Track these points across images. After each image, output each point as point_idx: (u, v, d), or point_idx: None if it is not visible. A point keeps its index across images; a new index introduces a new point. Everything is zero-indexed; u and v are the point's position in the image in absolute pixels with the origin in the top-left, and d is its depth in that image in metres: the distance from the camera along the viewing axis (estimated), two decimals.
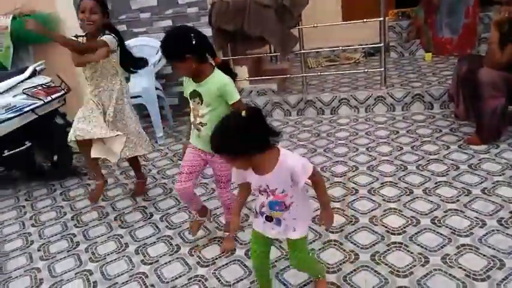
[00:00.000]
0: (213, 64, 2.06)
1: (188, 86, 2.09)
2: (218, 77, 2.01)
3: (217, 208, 2.71)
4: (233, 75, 2.09)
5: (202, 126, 2.06)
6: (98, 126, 2.59)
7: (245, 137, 1.46)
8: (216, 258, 2.26)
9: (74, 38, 2.55)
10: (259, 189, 1.62)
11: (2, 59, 4.20)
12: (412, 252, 2.11)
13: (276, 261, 2.17)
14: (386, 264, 2.05)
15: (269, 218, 1.67)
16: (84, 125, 2.59)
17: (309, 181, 1.63)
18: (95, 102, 2.65)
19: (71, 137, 2.63)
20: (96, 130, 2.58)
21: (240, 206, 1.81)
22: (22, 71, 3.19)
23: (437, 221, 2.32)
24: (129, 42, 4.26)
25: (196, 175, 2.18)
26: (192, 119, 2.11)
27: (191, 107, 2.10)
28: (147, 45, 4.24)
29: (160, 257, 2.34)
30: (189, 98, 2.09)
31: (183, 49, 1.92)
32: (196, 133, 2.11)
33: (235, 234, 2.38)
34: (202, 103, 2.03)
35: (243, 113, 1.47)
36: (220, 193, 2.27)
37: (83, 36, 2.61)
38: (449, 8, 4.80)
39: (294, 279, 2.03)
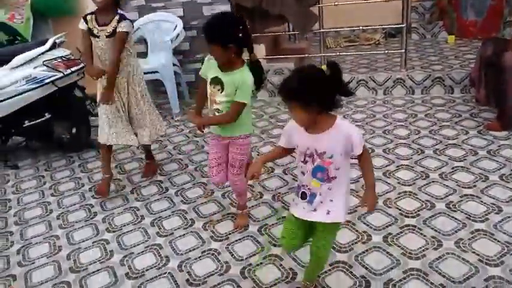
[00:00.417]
0: (245, 61, 2.06)
1: (211, 69, 2.08)
2: (244, 74, 2.01)
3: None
4: (262, 74, 2.09)
5: (218, 112, 2.08)
6: (127, 132, 2.71)
7: (322, 89, 1.45)
8: (229, 234, 2.30)
9: (111, 69, 2.54)
10: (305, 154, 1.57)
11: (22, 31, 4.25)
12: (425, 236, 2.11)
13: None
14: (398, 246, 2.06)
15: (304, 195, 1.62)
16: (114, 129, 2.67)
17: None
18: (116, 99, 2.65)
19: (103, 140, 2.70)
20: (127, 136, 2.71)
21: (271, 157, 1.83)
22: (42, 43, 3.22)
23: (453, 205, 2.31)
24: (147, 17, 4.26)
25: (225, 165, 2.23)
26: (209, 102, 2.13)
27: (209, 91, 2.10)
28: (165, 20, 4.22)
29: (175, 230, 2.39)
30: (208, 81, 2.09)
31: (229, 37, 1.92)
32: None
33: (251, 180, 2.30)
34: (222, 91, 2.04)
35: (324, 67, 1.46)
36: (231, 179, 2.25)
37: (91, 13, 2.57)
38: None
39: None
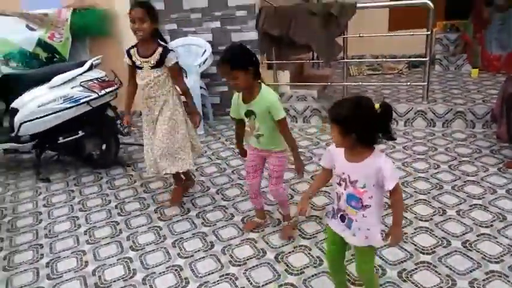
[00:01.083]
0: (259, 83, 2.27)
1: (240, 108, 2.33)
2: (267, 96, 2.23)
3: (251, 210, 2.84)
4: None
5: (259, 136, 2.34)
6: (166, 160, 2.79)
7: (365, 123, 1.54)
8: (248, 259, 2.38)
9: (187, 95, 2.80)
10: (340, 177, 1.68)
11: (60, 49, 4.51)
12: (440, 274, 2.14)
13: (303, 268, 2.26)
14: (413, 283, 2.09)
15: (343, 218, 1.73)
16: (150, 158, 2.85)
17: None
18: (148, 126, 2.79)
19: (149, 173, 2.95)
20: (163, 164, 2.79)
21: (313, 189, 1.93)
22: (81, 65, 3.43)
23: (469, 244, 2.33)
24: (178, 41, 4.46)
25: (260, 172, 2.51)
26: (249, 131, 2.38)
27: (247, 123, 2.35)
28: (194, 45, 4.41)
29: (195, 252, 2.48)
30: (244, 117, 2.33)
31: (248, 61, 2.16)
32: (255, 140, 2.38)
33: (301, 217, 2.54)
34: (256, 118, 2.28)
35: (377, 106, 1.57)
36: (270, 189, 2.48)
37: (134, 47, 2.67)
38: (499, 24, 4.66)
39: None
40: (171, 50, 2.67)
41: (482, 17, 4.72)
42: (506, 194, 2.77)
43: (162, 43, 2.68)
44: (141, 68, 2.66)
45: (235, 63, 2.13)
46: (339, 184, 1.70)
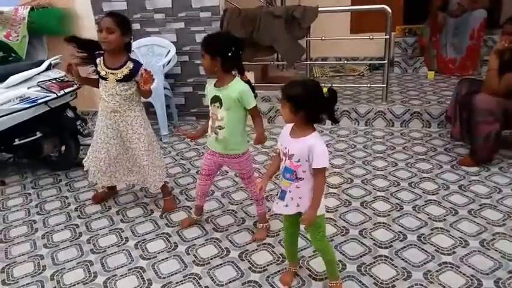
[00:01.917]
0: (235, 76, 2.29)
1: (210, 92, 2.32)
2: (238, 84, 2.25)
3: (215, 210, 2.85)
4: (254, 90, 2.31)
5: (220, 129, 2.30)
6: (120, 172, 2.82)
7: (314, 103, 1.74)
8: (211, 258, 2.39)
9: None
10: (282, 152, 1.87)
11: (17, 48, 4.35)
12: (396, 266, 2.23)
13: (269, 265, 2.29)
14: (371, 276, 2.17)
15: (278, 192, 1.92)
16: (106, 171, 2.79)
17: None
18: (108, 138, 2.69)
19: (95, 181, 2.89)
20: (118, 176, 2.84)
21: (272, 170, 2.02)
22: (38, 64, 3.32)
23: (423, 238, 2.44)
24: (141, 41, 4.40)
25: (212, 177, 2.57)
26: (210, 124, 2.35)
27: (210, 112, 2.33)
28: (158, 45, 4.37)
29: (158, 253, 2.46)
30: (209, 102, 2.32)
31: (217, 50, 2.20)
32: (214, 137, 2.35)
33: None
34: (221, 107, 2.26)
35: (325, 90, 1.76)
36: (250, 189, 2.51)
37: (101, 55, 2.58)
38: (454, 29, 4.91)
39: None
40: (141, 64, 2.58)
41: (438, 21, 4.95)
42: (458, 189, 2.92)
43: (133, 57, 2.60)
44: (105, 79, 2.56)
45: (205, 46, 2.22)
46: (283, 159, 1.88)
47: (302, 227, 2.04)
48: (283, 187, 1.90)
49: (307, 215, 1.84)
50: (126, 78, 2.54)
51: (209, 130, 2.38)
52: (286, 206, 1.90)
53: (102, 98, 2.63)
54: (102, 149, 2.72)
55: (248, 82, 2.31)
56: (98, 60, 2.59)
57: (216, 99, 2.28)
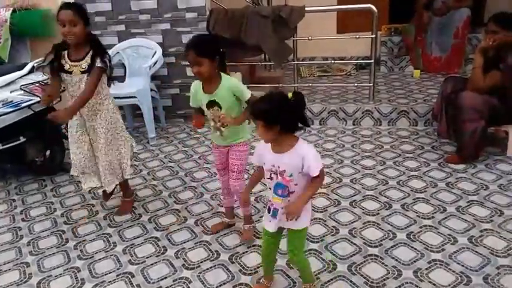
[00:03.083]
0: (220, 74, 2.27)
1: (201, 98, 2.28)
2: (227, 81, 2.23)
3: (205, 212, 2.83)
4: None
5: (223, 127, 2.30)
6: (97, 174, 2.74)
7: (284, 112, 1.67)
8: (201, 262, 2.36)
9: (82, 99, 2.42)
10: (270, 171, 1.79)
11: None
12: (386, 265, 2.23)
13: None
14: (361, 275, 2.17)
15: (269, 210, 1.85)
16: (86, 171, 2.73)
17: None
18: (83, 136, 2.63)
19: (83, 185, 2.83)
20: (95, 178, 2.77)
21: (252, 184, 2.01)
22: (21, 67, 3.25)
23: (413, 236, 2.45)
24: (126, 42, 4.35)
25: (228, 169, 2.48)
26: (212, 124, 2.34)
27: (210, 114, 2.31)
28: (144, 46, 4.32)
29: (147, 257, 2.43)
30: (205, 108, 2.29)
31: (216, 50, 2.19)
32: (218, 134, 2.35)
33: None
34: (221, 109, 2.24)
35: (290, 95, 1.69)
36: (232, 184, 2.42)
37: (66, 48, 2.48)
38: (439, 27, 4.96)
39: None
40: (105, 53, 2.48)
41: (423, 20, 5.00)
42: (445, 187, 2.94)
43: (98, 47, 2.48)
44: (70, 73, 2.45)
45: (202, 50, 2.13)
46: (270, 178, 1.81)
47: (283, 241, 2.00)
48: (275, 205, 1.82)
49: (293, 206, 1.74)
50: (90, 68, 2.43)
51: (211, 128, 2.37)
52: (280, 221, 1.85)
53: (69, 95, 2.54)
54: (78, 149, 2.66)
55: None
56: (63, 53, 2.46)
57: (213, 104, 2.25)
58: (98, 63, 2.44)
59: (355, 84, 4.49)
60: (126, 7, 4.34)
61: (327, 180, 3.14)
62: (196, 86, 2.30)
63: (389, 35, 5.38)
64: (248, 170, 3.14)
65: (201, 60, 2.13)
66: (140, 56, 4.32)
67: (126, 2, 4.32)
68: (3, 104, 3.11)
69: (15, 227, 2.82)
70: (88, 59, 2.45)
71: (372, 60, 4.08)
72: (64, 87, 2.59)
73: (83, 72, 2.45)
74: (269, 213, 1.86)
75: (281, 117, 1.67)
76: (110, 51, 4.22)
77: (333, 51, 5.57)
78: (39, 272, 2.37)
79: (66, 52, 2.48)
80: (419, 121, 4.00)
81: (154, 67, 4.17)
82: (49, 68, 2.54)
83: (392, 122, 4.08)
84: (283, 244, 2.26)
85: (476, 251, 2.29)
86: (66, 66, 2.46)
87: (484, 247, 2.31)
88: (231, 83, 2.23)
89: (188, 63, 2.26)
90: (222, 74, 2.26)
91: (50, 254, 2.52)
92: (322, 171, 1.75)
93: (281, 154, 1.75)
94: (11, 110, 3.12)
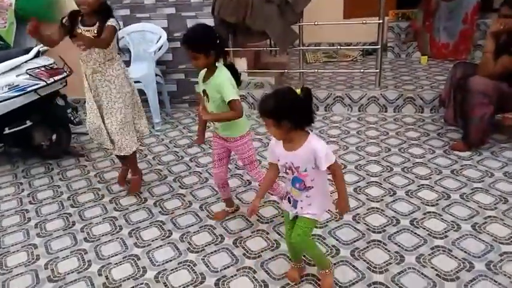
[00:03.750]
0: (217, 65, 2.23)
1: (200, 85, 2.30)
2: (219, 76, 2.18)
3: (209, 197, 2.85)
4: (238, 78, 2.26)
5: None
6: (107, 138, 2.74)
7: (294, 108, 1.67)
8: (206, 246, 2.39)
9: (90, 37, 2.48)
10: (285, 167, 1.81)
11: (4, 35, 4.26)
12: (389, 251, 2.25)
13: None
14: (364, 261, 2.19)
15: (290, 200, 1.88)
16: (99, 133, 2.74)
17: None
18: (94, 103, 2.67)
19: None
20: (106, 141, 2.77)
21: (265, 188, 1.99)
22: (27, 52, 3.25)
23: (416, 222, 2.46)
24: (132, 27, 4.33)
25: (226, 161, 2.47)
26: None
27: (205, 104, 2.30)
28: (149, 31, 4.30)
29: (153, 241, 2.46)
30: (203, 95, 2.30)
31: (210, 44, 2.14)
32: (213, 123, 2.38)
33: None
34: (209, 101, 2.23)
35: (298, 91, 1.68)
36: (251, 174, 2.45)
37: (81, 16, 2.55)
38: (447, 13, 4.89)
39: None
40: (115, 19, 2.56)
41: (431, 6, 4.92)
42: (450, 174, 2.93)
43: (110, 13, 2.57)
44: None
45: (195, 46, 2.12)
46: (286, 173, 1.83)
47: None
48: (294, 196, 1.87)
49: (341, 208, 1.87)
50: (101, 32, 2.49)
51: None
52: (302, 208, 1.88)
53: (81, 60, 2.62)
54: (91, 113, 2.72)
55: (231, 66, 2.27)
56: (78, 18, 2.55)
57: (204, 93, 2.25)
58: (111, 22, 2.50)
59: (361, 70, 4.46)
60: None
61: None
62: (202, 72, 2.29)
63: (397, 21, 5.30)
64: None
65: (197, 55, 2.13)
66: (145, 40, 4.30)
67: None
68: (9, 88, 3.13)
69: (22, 210, 2.87)
70: (100, 23, 2.51)
71: (379, 46, 4.03)
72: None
73: (94, 37, 2.49)
74: (290, 203, 1.90)
75: (290, 113, 1.67)
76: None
77: (339, 36, 5.51)
78: (46, 253, 2.42)
79: (80, 18, 2.55)
80: (426, 108, 3.97)
81: (159, 52, 4.15)
82: (60, 26, 2.57)
83: (398, 109, 4.05)
84: None
85: (479, 238, 2.29)
86: (78, 31, 2.51)
87: (488, 234, 2.32)
88: (218, 81, 2.16)
89: None
90: (220, 66, 2.21)
91: (57, 236, 2.56)
92: (337, 165, 1.77)
93: (293, 151, 1.75)
94: (17, 94, 3.14)
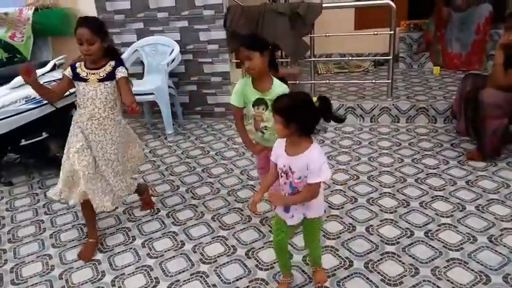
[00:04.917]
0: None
1: (249, 94, 2.30)
2: (279, 87, 2.23)
3: (222, 208, 2.85)
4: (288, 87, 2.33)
5: (265, 129, 2.34)
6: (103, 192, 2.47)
7: (305, 113, 1.70)
8: (218, 256, 2.39)
9: (133, 95, 2.38)
10: (282, 170, 1.82)
11: (22, 49, 4.38)
12: (403, 263, 2.22)
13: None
14: (378, 273, 2.17)
15: (285, 207, 1.88)
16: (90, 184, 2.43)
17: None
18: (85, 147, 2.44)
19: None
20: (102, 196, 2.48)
21: (266, 184, 1.99)
22: (44, 65, 3.33)
23: (431, 234, 2.43)
24: (145, 40, 4.41)
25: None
26: (253, 123, 2.38)
27: (253, 113, 2.33)
28: (162, 44, 4.37)
29: (165, 251, 2.47)
30: (251, 105, 2.31)
31: (265, 44, 2.23)
32: (260, 135, 2.39)
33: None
34: (267, 109, 2.26)
35: (315, 99, 1.73)
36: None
37: (81, 61, 2.41)
38: (459, 24, 4.88)
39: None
40: (124, 65, 2.42)
41: (442, 16, 4.91)
42: (465, 185, 2.90)
43: (118, 58, 2.44)
44: (85, 81, 2.35)
45: (256, 43, 2.20)
46: (281, 176, 1.84)
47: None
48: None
49: (276, 198, 1.89)
50: (108, 76, 2.35)
51: (253, 128, 2.39)
52: (292, 217, 1.88)
53: (78, 105, 2.44)
54: (77, 160, 2.45)
55: (282, 79, 2.32)
56: (77, 64, 2.40)
57: (260, 102, 2.27)
58: (123, 73, 2.38)
59: (373, 81, 4.46)
60: (145, 5, 4.40)
61: (343, 177, 3.13)
62: (244, 81, 2.32)
63: (408, 31, 5.31)
64: None
65: (252, 54, 2.15)
66: (158, 53, 4.37)
67: (145, 0, 4.38)
68: (26, 101, 3.20)
69: (38, 220, 2.91)
70: (107, 67, 2.36)
71: (390, 57, 4.03)
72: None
73: (100, 81, 2.35)
74: (287, 212, 1.89)
75: (300, 117, 1.69)
76: (129, 49, 4.32)
77: (351, 47, 5.52)
78: (61, 264, 2.44)
79: (83, 63, 2.41)
80: (439, 118, 3.95)
81: (172, 64, 4.21)
82: (63, 79, 2.48)
83: (411, 119, 4.03)
84: (298, 240, 2.28)
85: (496, 250, 2.25)
86: (83, 74, 2.37)
87: (504, 246, 2.28)
88: (283, 90, 2.14)
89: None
90: (274, 78, 2.27)
91: (71, 247, 2.58)
92: (318, 187, 1.77)
93: (293, 156, 1.77)
94: (34, 106, 3.21)
